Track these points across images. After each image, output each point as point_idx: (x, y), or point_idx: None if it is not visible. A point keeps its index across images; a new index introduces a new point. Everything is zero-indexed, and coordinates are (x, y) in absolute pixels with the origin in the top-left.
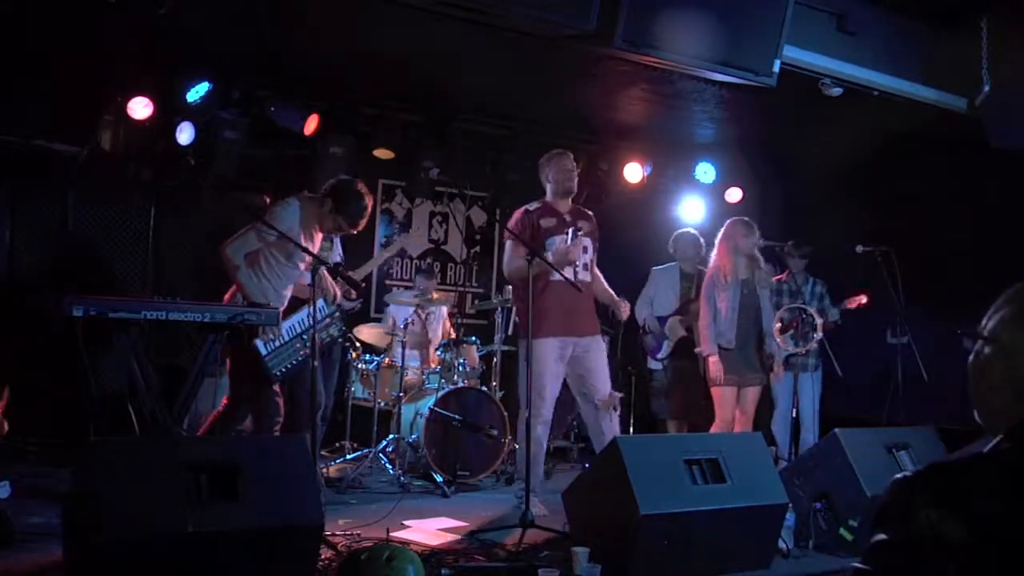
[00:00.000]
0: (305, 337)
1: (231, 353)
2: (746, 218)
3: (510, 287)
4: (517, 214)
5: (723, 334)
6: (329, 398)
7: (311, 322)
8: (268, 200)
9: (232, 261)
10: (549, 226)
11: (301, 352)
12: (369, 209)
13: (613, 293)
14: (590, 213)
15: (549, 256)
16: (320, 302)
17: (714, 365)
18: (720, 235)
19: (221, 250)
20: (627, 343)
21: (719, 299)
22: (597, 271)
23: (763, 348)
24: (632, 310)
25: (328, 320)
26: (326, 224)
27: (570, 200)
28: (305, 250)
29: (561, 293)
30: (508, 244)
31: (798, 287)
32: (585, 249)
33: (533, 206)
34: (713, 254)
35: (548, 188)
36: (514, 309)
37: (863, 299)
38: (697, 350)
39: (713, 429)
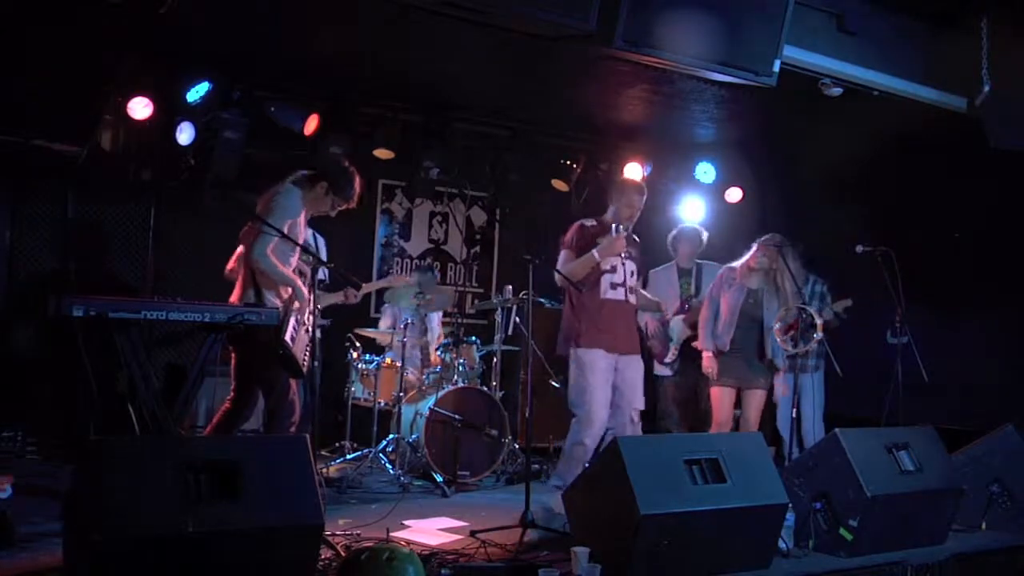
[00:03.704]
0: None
1: (247, 352)
2: (779, 237)
3: (509, 287)
4: (574, 226)
5: (719, 336)
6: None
7: (312, 318)
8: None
9: (267, 264)
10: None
11: (306, 338)
12: (359, 182)
13: (657, 299)
14: (636, 240)
15: (597, 255)
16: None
17: (707, 359)
18: (758, 243)
19: (252, 258)
20: None
21: (722, 299)
22: (641, 289)
23: (765, 354)
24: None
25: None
26: (321, 206)
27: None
28: (305, 249)
29: (613, 312)
30: (562, 254)
31: (799, 287)
32: (633, 273)
33: (590, 222)
34: (751, 253)
35: (611, 210)
36: (513, 310)
37: (848, 302)
38: (695, 344)
39: (711, 431)
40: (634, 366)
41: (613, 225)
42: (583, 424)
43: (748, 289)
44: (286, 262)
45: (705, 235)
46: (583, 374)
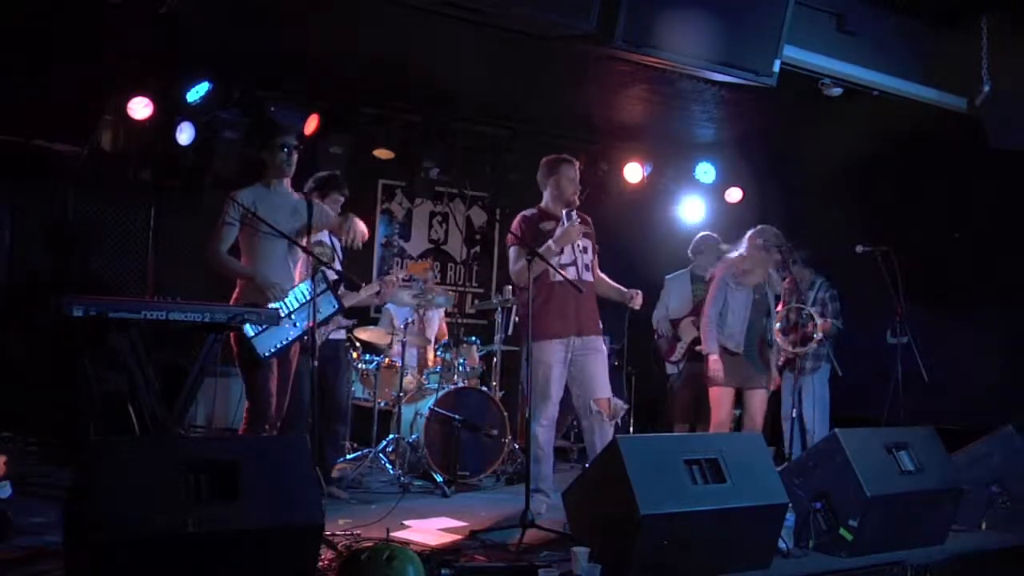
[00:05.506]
0: (295, 316)
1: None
2: (770, 232)
3: (509, 287)
4: (516, 221)
5: (732, 336)
6: (345, 401)
7: (309, 302)
8: None
9: (217, 259)
10: (548, 228)
11: (292, 332)
12: (288, 136)
13: (620, 287)
14: (587, 217)
15: (555, 248)
16: (306, 283)
17: (714, 363)
18: (754, 237)
19: (206, 256)
20: (633, 349)
21: (732, 299)
22: (600, 273)
23: (768, 350)
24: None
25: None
26: (279, 170)
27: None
28: (297, 244)
29: (562, 295)
30: (511, 251)
31: (802, 290)
32: (584, 249)
33: (530, 212)
34: (739, 252)
35: (546, 195)
36: (514, 309)
37: (827, 326)
38: (698, 348)
39: (711, 431)
40: (592, 354)
41: (564, 212)
42: (534, 419)
43: (755, 285)
44: (272, 251)
45: (724, 247)
46: (533, 369)
